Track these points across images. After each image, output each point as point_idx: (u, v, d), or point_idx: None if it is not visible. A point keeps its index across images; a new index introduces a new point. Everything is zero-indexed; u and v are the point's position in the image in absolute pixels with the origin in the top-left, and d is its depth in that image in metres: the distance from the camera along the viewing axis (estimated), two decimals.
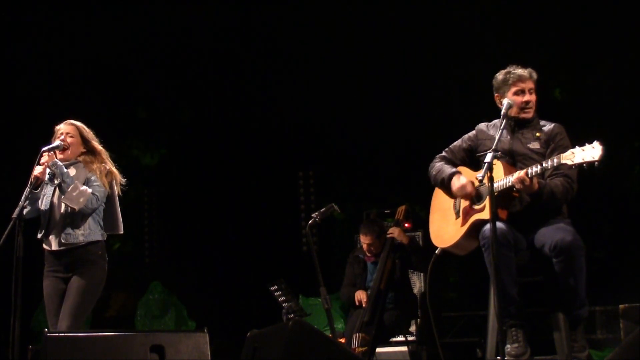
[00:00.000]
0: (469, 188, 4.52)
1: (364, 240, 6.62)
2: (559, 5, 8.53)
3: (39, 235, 4.96)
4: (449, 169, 4.66)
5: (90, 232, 4.92)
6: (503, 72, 4.60)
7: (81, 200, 4.83)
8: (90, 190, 4.88)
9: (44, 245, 4.97)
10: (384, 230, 6.63)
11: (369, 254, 6.63)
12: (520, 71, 4.55)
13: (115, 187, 5.05)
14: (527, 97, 4.53)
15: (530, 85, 4.54)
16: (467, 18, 8.92)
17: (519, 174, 4.24)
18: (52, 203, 4.95)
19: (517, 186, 4.25)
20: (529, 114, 4.55)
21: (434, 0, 9.04)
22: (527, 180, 4.21)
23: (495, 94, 4.61)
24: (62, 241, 4.87)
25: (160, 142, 10.62)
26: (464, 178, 4.57)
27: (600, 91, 8.72)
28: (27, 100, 9.20)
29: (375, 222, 6.86)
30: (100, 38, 9.32)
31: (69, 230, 4.88)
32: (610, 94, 8.62)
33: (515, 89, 4.53)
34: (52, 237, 4.92)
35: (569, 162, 4.06)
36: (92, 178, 4.94)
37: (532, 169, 4.22)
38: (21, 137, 8.55)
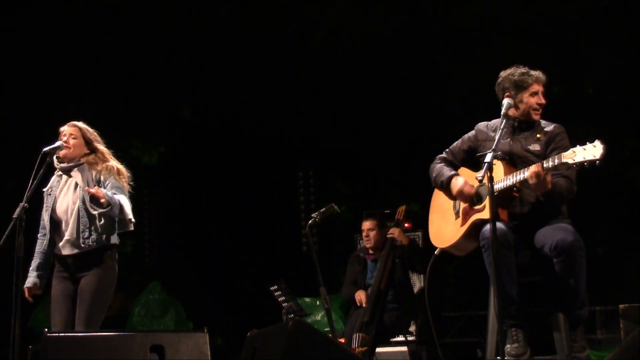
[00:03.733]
0: (467, 189, 4.52)
1: (365, 226, 6.72)
2: (559, 5, 8.53)
3: (47, 248, 4.92)
4: (447, 172, 4.66)
5: (107, 235, 4.92)
6: (518, 72, 4.54)
7: (128, 212, 4.89)
8: (125, 199, 4.89)
9: (54, 251, 4.95)
10: (385, 225, 6.69)
11: (367, 243, 6.70)
12: (537, 73, 4.54)
13: (125, 185, 5.07)
14: (541, 99, 4.53)
15: (542, 87, 4.55)
16: (467, 18, 8.93)
17: (535, 167, 4.17)
18: (54, 211, 4.92)
19: (531, 182, 4.20)
20: (539, 116, 4.55)
21: (433, 1, 9.05)
22: (542, 173, 4.17)
23: (506, 93, 4.54)
24: (83, 246, 4.85)
25: (160, 142, 10.63)
26: (461, 180, 4.56)
27: (600, 90, 8.73)
28: (27, 100, 9.20)
29: (378, 212, 6.93)
30: (101, 36, 9.33)
31: (87, 234, 4.85)
32: (610, 92, 8.63)
33: (533, 90, 4.51)
34: (63, 243, 4.88)
35: (570, 161, 4.05)
36: (111, 180, 4.94)
37: (547, 163, 4.16)
38: (21, 137, 8.56)
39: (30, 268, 4.93)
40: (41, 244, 4.98)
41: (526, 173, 4.22)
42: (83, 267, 4.88)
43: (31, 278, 4.92)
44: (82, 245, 4.85)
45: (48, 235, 4.95)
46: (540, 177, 4.16)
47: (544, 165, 4.18)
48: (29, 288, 4.90)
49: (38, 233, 5.03)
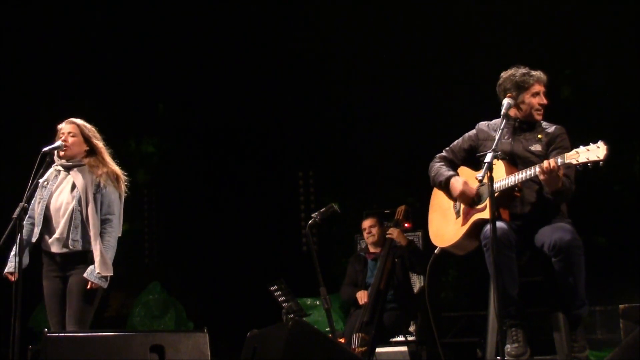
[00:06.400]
0: (469, 192, 4.51)
1: (366, 223, 6.78)
2: (559, 4, 8.53)
3: (34, 240, 4.92)
4: (446, 172, 4.65)
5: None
6: (519, 72, 4.54)
7: (114, 245, 4.95)
8: (110, 240, 4.92)
9: (42, 246, 4.96)
10: (383, 224, 6.78)
11: (370, 239, 6.75)
12: (538, 73, 4.54)
13: (123, 191, 5.08)
14: (543, 100, 4.53)
15: (544, 88, 4.54)
16: (467, 17, 8.92)
17: (548, 162, 4.12)
18: (47, 206, 4.93)
19: (542, 177, 4.17)
20: (541, 116, 4.56)
21: (433, 0, 9.05)
22: (556, 169, 4.09)
23: (507, 94, 4.53)
24: (71, 247, 4.87)
25: (160, 141, 10.63)
26: (461, 182, 4.55)
27: (600, 89, 8.72)
28: (27, 100, 9.19)
29: (378, 212, 7.04)
30: (101, 35, 9.33)
31: (77, 237, 4.87)
32: (611, 92, 8.63)
33: (534, 90, 4.51)
34: (52, 240, 4.89)
35: (574, 162, 4.04)
36: (110, 189, 4.96)
37: (558, 160, 4.11)
38: (21, 137, 8.55)
39: (12, 253, 4.89)
40: (26, 232, 4.93)
41: (536, 169, 4.18)
42: (71, 265, 4.89)
43: (12, 263, 4.88)
44: (70, 247, 4.87)
45: (36, 229, 4.93)
46: (552, 174, 4.12)
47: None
48: (11, 273, 4.87)
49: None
